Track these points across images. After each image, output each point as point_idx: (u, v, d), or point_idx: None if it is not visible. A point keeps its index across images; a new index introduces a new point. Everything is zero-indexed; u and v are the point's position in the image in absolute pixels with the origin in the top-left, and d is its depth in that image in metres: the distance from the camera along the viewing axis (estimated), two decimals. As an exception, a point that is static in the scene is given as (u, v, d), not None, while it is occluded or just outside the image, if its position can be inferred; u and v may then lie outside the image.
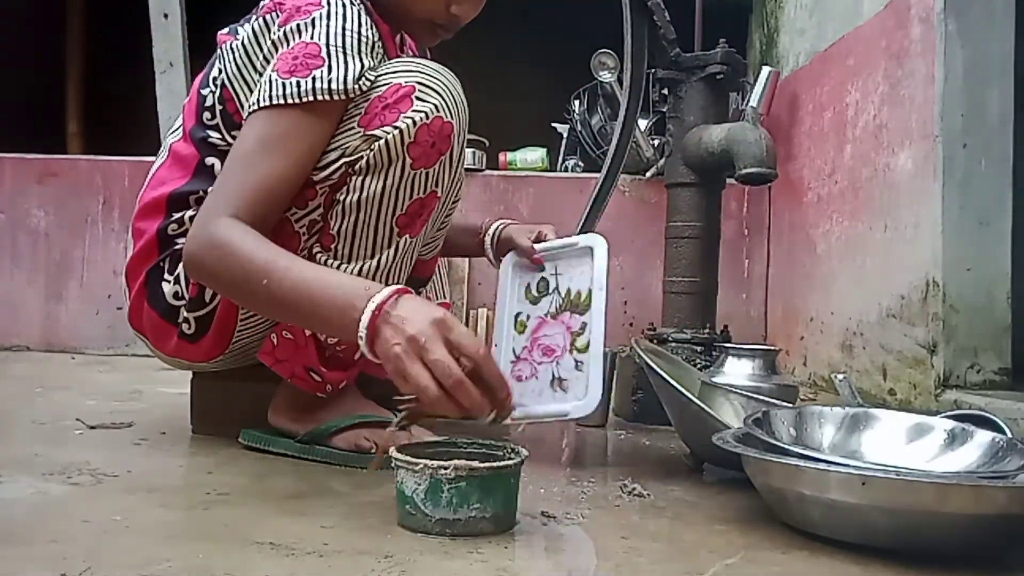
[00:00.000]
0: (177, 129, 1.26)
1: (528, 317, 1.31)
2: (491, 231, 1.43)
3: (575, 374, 1.21)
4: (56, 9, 3.85)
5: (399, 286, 0.92)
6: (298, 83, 1.05)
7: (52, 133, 3.72)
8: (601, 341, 1.21)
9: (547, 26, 3.94)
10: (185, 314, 1.20)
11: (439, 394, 0.83)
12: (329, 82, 1.06)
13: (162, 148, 1.28)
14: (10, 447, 1.24)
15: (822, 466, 0.88)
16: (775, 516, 0.97)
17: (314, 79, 1.06)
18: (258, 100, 1.07)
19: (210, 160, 1.20)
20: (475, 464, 0.85)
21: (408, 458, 0.86)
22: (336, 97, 1.06)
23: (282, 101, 1.05)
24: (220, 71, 1.19)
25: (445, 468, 0.84)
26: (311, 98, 1.05)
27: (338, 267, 1.12)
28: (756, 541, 0.90)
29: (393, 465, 0.88)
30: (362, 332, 0.88)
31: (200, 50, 2.86)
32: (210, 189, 1.19)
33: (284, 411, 1.25)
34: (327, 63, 1.07)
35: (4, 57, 3.61)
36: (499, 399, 0.86)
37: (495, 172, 3.05)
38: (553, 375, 1.23)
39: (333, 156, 1.10)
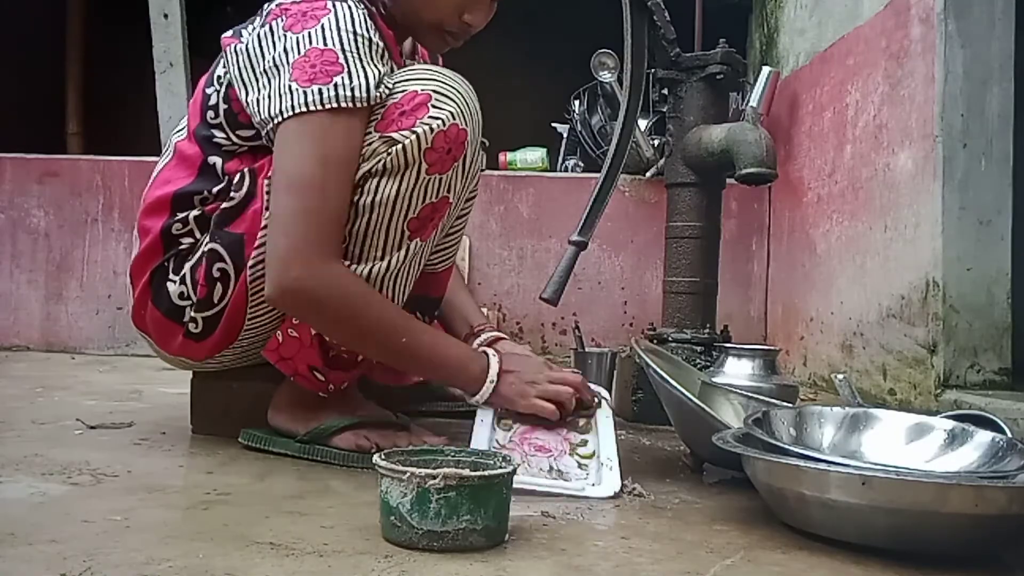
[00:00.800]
0: (182, 128, 1.26)
1: (513, 423, 1.20)
2: (480, 340, 1.34)
3: (577, 471, 1.12)
4: (56, 9, 3.85)
5: (498, 357, 1.19)
6: (320, 91, 1.06)
7: (52, 133, 3.72)
8: (614, 452, 1.13)
9: (547, 26, 3.94)
10: (192, 314, 1.20)
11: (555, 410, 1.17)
12: (353, 89, 1.07)
13: (167, 146, 1.28)
14: (10, 447, 1.24)
15: (822, 466, 0.88)
16: (775, 516, 0.97)
17: (336, 86, 1.06)
18: (281, 111, 1.08)
19: (213, 159, 1.20)
20: (465, 473, 0.81)
21: (394, 466, 0.82)
22: (359, 104, 1.07)
23: (304, 108, 1.06)
24: (225, 72, 1.19)
25: (433, 477, 0.79)
26: (334, 104, 1.06)
27: (348, 267, 1.13)
28: (756, 541, 0.90)
29: (378, 474, 0.84)
30: (487, 390, 1.17)
31: (200, 50, 2.86)
32: (213, 190, 1.19)
33: (284, 411, 1.25)
34: (346, 69, 1.07)
35: (4, 57, 3.62)
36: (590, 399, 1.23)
37: (495, 172, 3.05)
38: (551, 466, 1.12)
39: None
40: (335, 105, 1.06)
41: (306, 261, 1.07)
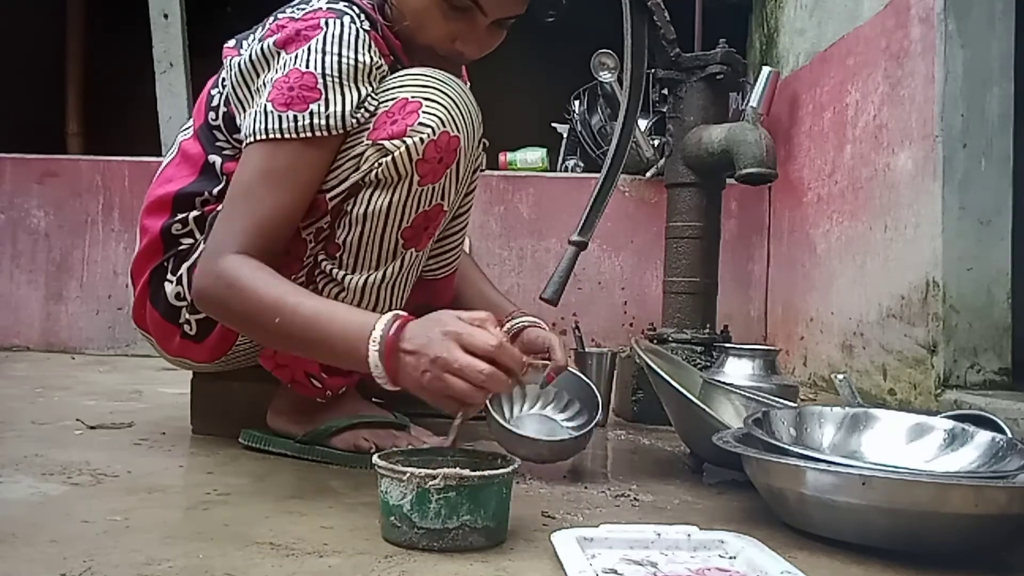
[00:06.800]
0: (188, 127, 1.26)
1: None
2: (512, 323, 1.29)
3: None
4: (56, 9, 3.85)
5: (396, 314, 0.96)
6: (295, 117, 1.05)
7: (52, 133, 3.72)
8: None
9: (547, 26, 3.94)
10: (187, 315, 1.20)
11: (479, 393, 0.90)
12: (326, 117, 1.05)
13: (173, 144, 1.28)
14: (10, 447, 1.24)
15: (822, 466, 0.88)
16: (775, 516, 0.97)
17: (311, 114, 1.05)
18: (254, 132, 1.07)
19: (213, 158, 1.20)
20: (465, 472, 0.81)
21: (393, 466, 0.82)
22: (333, 133, 1.06)
23: (278, 136, 1.05)
24: (225, 81, 1.19)
25: (433, 477, 0.80)
26: (308, 134, 1.05)
27: (343, 277, 1.12)
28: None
29: (377, 474, 0.84)
30: (378, 372, 0.94)
31: (200, 50, 2.86)
32: (213, 191, 1.19)
33: (283, 414, 1.25)
34: (323, 96, 1.05)
35: (4, 57, 3.61)
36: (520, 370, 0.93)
37: (495, 172, 3.05)
38: None
39: (345, 173, 1.09)
40: (308, 134, 1.05)
41: (211, 260, 1.05)
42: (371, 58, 1.09)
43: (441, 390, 0.90)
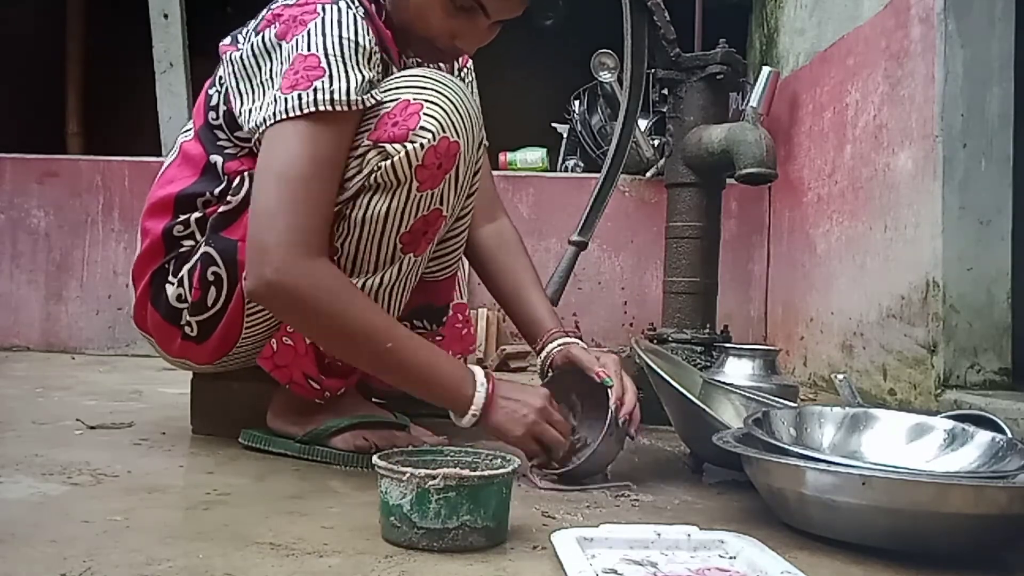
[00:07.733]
0: (188, 129, 1.26)
1: None
2: (549, 348, 1.25)
3: None
4: (56, 9, 3.85)
5: (487, 372, 1.12)
6: (300, 95, 1.04)
7: (52, 133, 3.72)
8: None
9: (547, 26, 3.94)
10: (188, 317, 1.20)
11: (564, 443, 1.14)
12: (331, 93, 1.04)
13: (173, 146, 1.28)
14: (10, 447, 1.24)
15: (822, 466, 0.88)
16: (775, 516, 0.97)
17: (315, 90, 1.04)
18: (265, 118, 1.07)
19: (214, 158, 1.20)
20: (465, 472, 0.81)
21: (393, 466, 0.82)
22: (340, 108, 1.05)
23: (284, 115, 1.04)
24: (223, 78, 1.19)
25: (433, 477, 0.79)
26: (312, 108, 1.04)
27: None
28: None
29: (377, 474, 0.84)
30: (474, 414, 1.10)
31: (200, 50, 2.86)
32: (215, 191, 1.18)
33: (283, 414, 1.25)
34: (328, 73, 1.05)
35: (4, 57, 3.62)
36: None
37: (495, 172, 3.04)
38: None
39: (349, 173, 1.09)
40: (313, 109, 1.04)
41: (290, 255, 1.03)
42: (369, 43, 1.09)
43: (536, 439, 1.12)
